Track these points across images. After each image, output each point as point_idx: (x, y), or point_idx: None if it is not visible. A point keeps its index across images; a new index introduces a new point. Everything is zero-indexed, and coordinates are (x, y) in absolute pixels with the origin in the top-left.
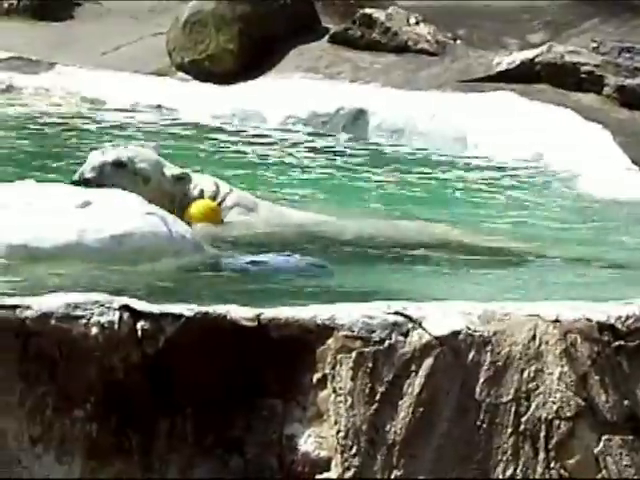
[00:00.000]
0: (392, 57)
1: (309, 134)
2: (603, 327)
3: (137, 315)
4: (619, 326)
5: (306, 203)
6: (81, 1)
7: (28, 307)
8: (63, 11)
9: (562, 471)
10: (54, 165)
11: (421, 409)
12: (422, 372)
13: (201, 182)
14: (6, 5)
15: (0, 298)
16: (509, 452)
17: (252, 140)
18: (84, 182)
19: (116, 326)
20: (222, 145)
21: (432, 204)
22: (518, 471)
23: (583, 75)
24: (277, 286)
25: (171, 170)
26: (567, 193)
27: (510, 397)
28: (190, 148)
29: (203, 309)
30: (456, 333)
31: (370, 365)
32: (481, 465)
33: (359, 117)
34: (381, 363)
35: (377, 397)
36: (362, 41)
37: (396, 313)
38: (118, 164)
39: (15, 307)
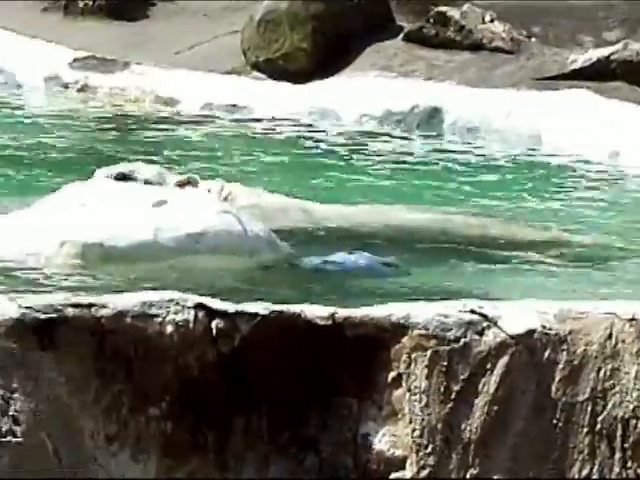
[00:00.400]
0: (467, 55)
1: (383, 134)
2: None
3: (212, 313)
4: None
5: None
6: (156, 0)
7: (104, 306)
8: (138, 10)
9: (639, 471)
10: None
11: (496, 408)
12: (497, 371)
13: (208, 186)
14: (81, 5)
15: (76, 297)
16: (585, 452)
17: (327, 139)
18: None
19: (191, 325)
20: (297, 144)
21: (504, 201)
22: (594, 471)
23: None
24: (350, 285)
25: (175, 178)
26: None
27: (586, 396)
28: (264, 147)
29: (278, 308)
30: (531, 332)
31: (445, 364)
32: (557, 465)
33: (434, 115)
34: (456, 362)
35: (452, 396)
36: (437, 39)
37: (471, 312)
38: (122, 177)
39: (91, 306)
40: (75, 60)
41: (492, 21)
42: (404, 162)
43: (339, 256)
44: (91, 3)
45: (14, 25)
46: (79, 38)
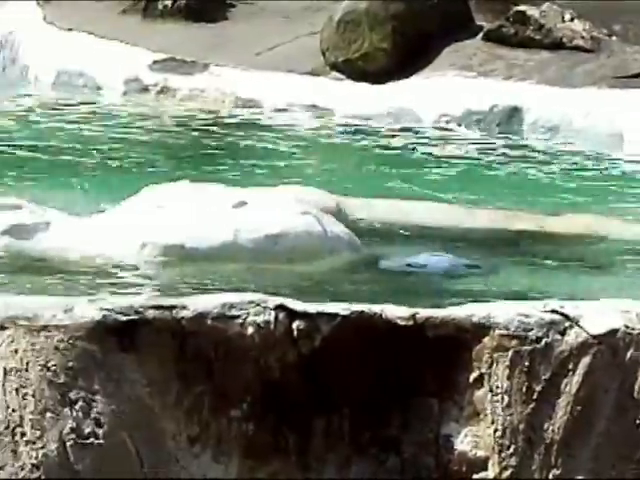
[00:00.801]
0: (546, 54)
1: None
2: None
3: (293, 314)
4: None
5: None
6: (235, 2)
7: (184, 307)
8: (217, 12)
9: None
10: (210, 165)
11: (579, 408)
12: (580, 371)
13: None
14: (160, 7)
15: (157, 298)
16: None
17: (410, 139)
18: None
19: (272, 326)
20: (380, 144)
21: (592, 199)
22: None
23: None
24: (431, 285)
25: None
26: None
27: None
28: (349, 147)
29: (358, 308)
30: (614, 331)
31: (527, 364)
32: None
33: (513, 115)
34: (538, 362)
35: (534, 396)
36: (516, 38)
37: (553, 311)
38: None
39: (172, 307)
40: (154, 62)
41: (572, 20)
42: (489, 162)
43: (422, 257)
44: (170, 5)
45: (93, 28)
46: (158, 40)
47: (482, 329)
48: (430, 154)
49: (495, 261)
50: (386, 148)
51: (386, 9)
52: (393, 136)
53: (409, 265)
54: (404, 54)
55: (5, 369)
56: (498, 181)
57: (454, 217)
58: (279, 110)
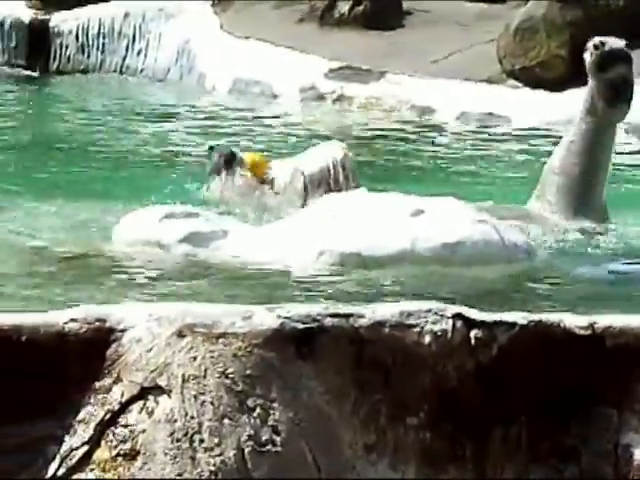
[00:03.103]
0: None
1: None
2: None
3: (470, 323)
4: None
5: None
6: (411, 10)
7: (362, 316)
8: (394, 20)
9: None
10: (387, 174)
11: None
12: None
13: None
14: (337, 15)
15: (334, 306)
16: None
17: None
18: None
19: (449, 334)
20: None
21: None
22: None
23: None
24: (611, 293)
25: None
26: None
27: None
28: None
29: (536, 317)
30: None
31: None
32: None
33: None
34: None
35: None
36: None
37: None
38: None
39: (349, 315)
40: (331, 70)
41: None
42: None
43: (621, 264)
44: (347, 13)
45: (270, 36)
46: (334, 48)
47: None
48: None
49: None
50: None
51: (564, 16)
52: None
53: (611, 272)
54: (582, 61)
55: (184, 376)
56: None
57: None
58: (455, 118)
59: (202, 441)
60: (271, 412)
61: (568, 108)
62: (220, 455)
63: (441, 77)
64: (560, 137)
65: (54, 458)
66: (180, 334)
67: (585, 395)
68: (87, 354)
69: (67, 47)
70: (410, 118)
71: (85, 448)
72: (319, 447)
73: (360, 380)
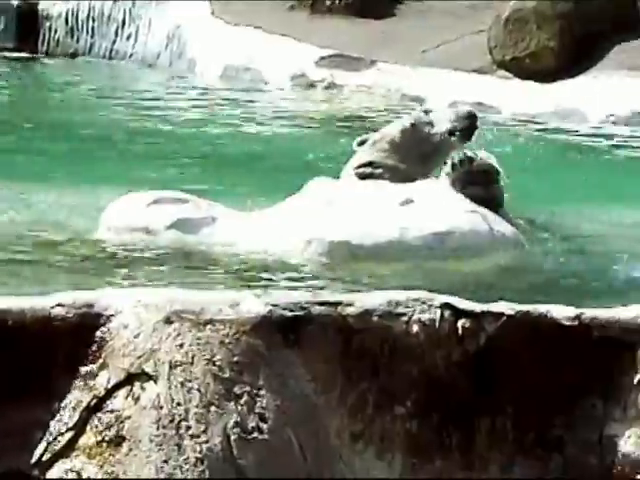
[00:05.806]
0: None
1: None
2: None
3: (458, 313)
4: None
5: None
6: None
7: (350, 304)
8: (384, 8)
9: None
10: None
11: None
12: None
13: None
14: (328, 3)
15: (323, 295)
16: None
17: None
18: None
19: (437, 324)
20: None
21: None
22: None
23: None
24: (597, 285)
25: None
26: None
27: None
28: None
29: (524, 308)
30: None
31: None
32: None
33: None
34: None
35: None
36: None
37: None
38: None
39: (337, 304)
40: (321, 58)
41: None
42: None
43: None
44: (338, 1)
45: (261, 23)
46: (325, 36)
47: None
48: None
49: None
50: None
51: (554, 8)
52: None
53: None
54: (572, 53)
55: (170, 363)
56: None
57: None
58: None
59: (188, 428)
60: (258, 400)
61: (557, 99)
62: (206, 442)
63: (432, 66)
64: (548, 128)
65: (39, 443)
66: (167, 320)
67: (571, 386)
68: (74, 339)
69: (56, 31)
70: (400, 107)
71: (70, 434)
72: (305, 435)
73: (347, 368)
